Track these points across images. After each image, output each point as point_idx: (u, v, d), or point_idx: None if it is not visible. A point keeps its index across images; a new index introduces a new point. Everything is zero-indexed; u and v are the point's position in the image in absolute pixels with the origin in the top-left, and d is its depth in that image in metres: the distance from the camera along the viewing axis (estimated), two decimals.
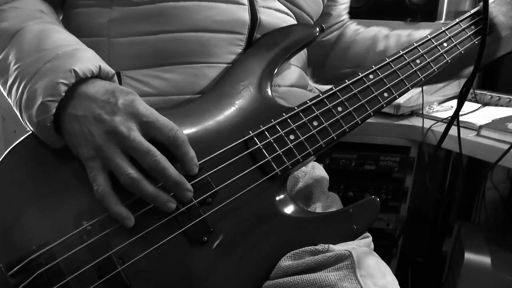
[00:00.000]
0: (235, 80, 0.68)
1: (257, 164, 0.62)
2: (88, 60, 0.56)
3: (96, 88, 0.55)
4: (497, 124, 1.18)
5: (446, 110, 1.39)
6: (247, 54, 0.70)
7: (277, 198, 0.63)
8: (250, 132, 0.63)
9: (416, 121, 1.29)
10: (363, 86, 0.68)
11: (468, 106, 1.43)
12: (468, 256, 1.28)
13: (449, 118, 0.90)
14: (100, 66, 0.56)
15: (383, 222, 1.34)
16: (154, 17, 0.64)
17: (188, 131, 0.62)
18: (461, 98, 0.74)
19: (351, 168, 1.30)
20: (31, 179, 0.57)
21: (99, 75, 0.56)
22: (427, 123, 1.25)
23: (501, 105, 1.45)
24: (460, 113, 1.33)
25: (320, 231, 0.63)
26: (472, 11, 0.79)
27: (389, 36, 0.90)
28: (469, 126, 1.22)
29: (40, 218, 0.56)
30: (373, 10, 1.75)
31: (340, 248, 0.59)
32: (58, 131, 0.55)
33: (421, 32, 0.84)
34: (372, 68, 0.70)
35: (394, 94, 0.70)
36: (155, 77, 0.65)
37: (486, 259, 1.26)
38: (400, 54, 0.72)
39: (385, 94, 0.69)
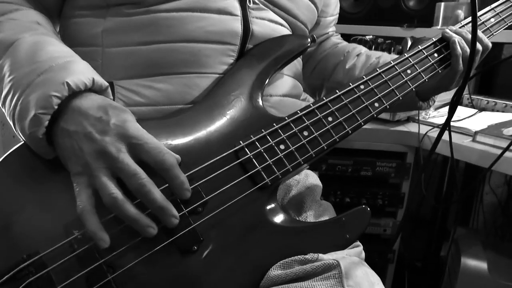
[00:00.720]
0: (227, 90, 0.69)
1: (247, 174, 0.62)
2: (81, 72, 0.57)
3: (89, 103, 0.55)
4: (493, 130, 1.19)
5: (442, 116, 1.40)
6: (239, 64, 0.71)
7: (267, 208, 0.63)
8: (241, 142, 0.63)
9: (412, 127, 1.30)
10: (354, 96, 0.69)
11: (465, 111, 1.43)
12: (465, 261, 1.28)
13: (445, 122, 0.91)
14: (93, 79, 0.57)
15: (380, 228, 1.35)
16: (147, 28, 0.66)
17: (179, 141, 0.62)
18: (452, 106, 0.75)
19: (348, 174, 1.31)
20: (23, 188, 0.58)
21: (93, 88, 0.57)
22: (423, 129, 1.26)
23: (497, 110, 1.45)
24: (457, 118, 1.36)
25: (310, 241, 0.63)
26: (435, 39, 0.79)
27: (360, 55, 0.92)
28: (465, 132, 1.23)
29: (31, 226, 0.56)
30: (370, 16, 1.76)
31: (329, 257, 0.60)
32: (50, 143, 0.56)
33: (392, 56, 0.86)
34: (363, 78, 0.70)
35: (384, 104, 0.70)
36: (147, 87, 0.66)
37: (482, 265, 1.27)
38: (378, 72, 0.72)
39: (376, 104, 0.70)
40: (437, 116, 1.38)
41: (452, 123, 1.30)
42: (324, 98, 0.68)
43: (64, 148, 0.55)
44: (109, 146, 0.53)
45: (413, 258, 1.70)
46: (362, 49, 0.94)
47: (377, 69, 0.72)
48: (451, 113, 0.74)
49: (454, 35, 0.77)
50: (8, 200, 0.57)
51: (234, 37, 0.69)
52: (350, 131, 0.68)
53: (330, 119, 0.67)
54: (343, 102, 0.69)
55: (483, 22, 0.83)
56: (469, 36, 0.77)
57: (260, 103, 0.69)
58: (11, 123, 0.59)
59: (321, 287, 0.56)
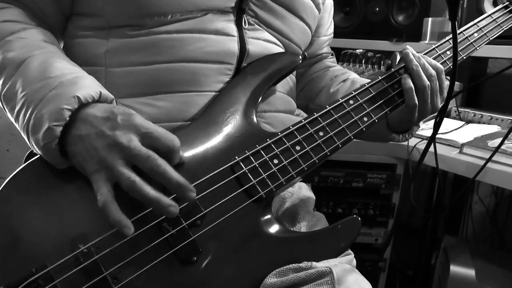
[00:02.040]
0: (222, 108, 0.72)
1: (243, 188, 0.65)
2: (89, 86, 0.61)
3: (96, 109, 0.60)
4: (479, 142, 1.23)
5: (431, 128, 1.44)
6: (234, 82, 0.75)
7: (263, 219, 0.66)
8: (236, 157, 0.67)
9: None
10: (343, 111, 0.73)
11: (452, 123, 1.47)
12: (454, 269, 1.31)
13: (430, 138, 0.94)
14: (100, 92, 0.61)
15: (372, 237, 1.38)
16: (148, 49, 0.69)
17: None
18: (436, 126, 0.79)
19: (340, 185, 1.34)
20: (31, 203, 0.61)
21: (99, 100, 0.61)
22: (412, 141, 1.30)
23: (484, 123, 1.50)
24: (445, 130, 1.40)
25: (304, 250, 0.66)
26: (393, 70, 0.78)
27: (346, 81, 0.92)
28: (452, 144, 1.27)
29: (39, 240, 0.59)
30: (359, 30, 1.81)
31: (322, 265, 0.63)
32: (62, 153, 0.60)
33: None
34: (352, 93, 0.74)
35: (373, 118, 0.74)
36: (148, 104, 0.69)
37: (471, 272, 1.30)
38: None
39: (365, 119, 0.74)
40: (426, 128, 1.42)
41: (440, 135, 1.34)
42: (315, 113, 0.72)
43: (78, 153, 0.59)
44: (120, 137, 0.57)
45: (404, 267, 1.73)
46: (351, 75, 0.95)
47: (365, 84, 0.76)
48: (435, 130, 0.78)
49: (411, 62, 0.77)
50: (19, 215, 0.59)
51: (231, 57, 0.73)
52: (340, 145, 0.72)
53: (321, 133, 0.71)
54: (333, 117, 0.72)
55: (466, 37, 0.87)
56: (422, 61, 0.77)
57: (255, 119, 0.73)
58: (24, 136, 0.62)
59: None
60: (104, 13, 0.69)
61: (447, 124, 1.47)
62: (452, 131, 1.40)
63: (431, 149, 1.28)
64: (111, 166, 0.56)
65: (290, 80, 0.85)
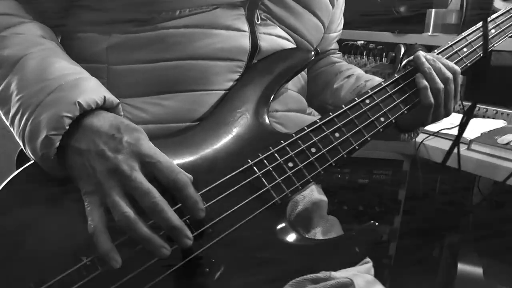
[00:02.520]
0: (232, 107, 0.68)
1: (257, 194, 0.62)
2: (92, 90, 0.55)
3: (101, 121, 0.54)
4: (487, 139, 1.20)
5: (435, 123, 1.41)
6: (244, 80, 0.70)
7: (278, 227, 0.63)
8: (249, 160, 0.63)
9: None
10: (360, 111, 0.69)
11: (456, 117, 1.44)
12: (461, 266, 1.29)
13: (439, 132, 0.91)
14: (105, 97, 0.56)
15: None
16: (155, 45, 0.64)
17: (186, 160, 0.62)
18: (462, 127, 0.75)
19: (345, 182, 1.31)
20: (30, 213, 0.56)
21: (104, 106, 0.56)
22: (419, 137, 1.27)
23: (488, 117, 1.47)
24: (449, 125, 1.37)
25: (321, 258, 0.63)
26: (397, 76, 0.74)
27: (351, 77, 0.89)
28: (460, 140, 1.24)
29: (37, 253, 0.55)
30: (362, 22, 1.77)
31: (341, 275, 0.60)
32: (60, 162, 0.55)
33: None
34: (368, 93, 0.71)
35: (390, 118, 0.70)
36: (155, 104, 0.65)
37: (478, 270, 1.28)
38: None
39: (382, 119, 0.70)
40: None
41: (445, 131, 1.31)
42: (330, 113, 0.68)
43: (75, 167, 0.54)
44: (122, 164, 0.52)
45: (409, 264, 1.71)
46: (356, 70, 0.91)
47: (382, 83, 0.72)
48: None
49: (423, 65, 0.73)
50: (16, 225, 0.55)
51: (242, 54, 0.68)
52: (357, 147, 0.68)
53: (337, 135, 0.67)
54: (349, 118, 0.68)
55: (456, 52, 0.80)
56: (438, 64, 0.73)
57: (266, 119, 0.69)
58: (20, 142, 0.57)
59: None
60: (108, 6, 0.64)
61: (451, 118, 1.44)
62: (456, 126, 1.37)
63: (437, 145, 1.26)
64: (107, 194, 0.51)
65: (301, 78, 0.81)
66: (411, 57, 0.76)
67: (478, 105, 1.48)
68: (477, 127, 1.35)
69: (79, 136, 0.54)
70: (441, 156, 1.15)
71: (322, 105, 0.82)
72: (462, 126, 0.75)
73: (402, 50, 1.49)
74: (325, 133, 0.67)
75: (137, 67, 0.65)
